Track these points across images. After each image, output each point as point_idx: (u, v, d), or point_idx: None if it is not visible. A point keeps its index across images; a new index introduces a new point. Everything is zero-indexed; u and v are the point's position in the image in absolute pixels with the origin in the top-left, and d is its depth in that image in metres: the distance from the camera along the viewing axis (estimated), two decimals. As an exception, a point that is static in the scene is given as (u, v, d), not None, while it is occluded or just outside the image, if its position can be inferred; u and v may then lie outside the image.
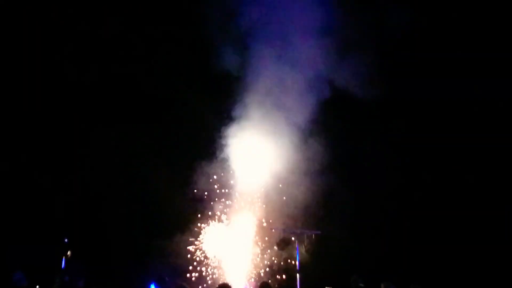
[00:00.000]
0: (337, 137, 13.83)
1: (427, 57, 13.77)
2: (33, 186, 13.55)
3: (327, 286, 10.69)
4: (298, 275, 10.58)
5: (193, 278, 13.34)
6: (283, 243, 12.03)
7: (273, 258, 13.57)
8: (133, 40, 14.38)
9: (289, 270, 13.05)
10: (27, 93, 13.77)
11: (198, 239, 13.64)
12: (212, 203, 13.88)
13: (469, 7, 13.28)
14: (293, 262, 12.58)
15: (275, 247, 12.77)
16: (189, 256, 13.52)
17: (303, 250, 10.99)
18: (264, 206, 13.82)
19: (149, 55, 14.46)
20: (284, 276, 13.42)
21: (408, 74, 13.71)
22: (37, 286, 9.73)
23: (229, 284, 7.74)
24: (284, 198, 13.59)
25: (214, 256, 13.56)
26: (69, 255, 10.23)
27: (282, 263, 13.40)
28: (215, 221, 13.84)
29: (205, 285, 13.40)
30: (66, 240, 10.54)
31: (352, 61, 13.36)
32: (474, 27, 13.36)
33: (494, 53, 13.35)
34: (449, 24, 13.55)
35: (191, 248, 13.54)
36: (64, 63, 14.13)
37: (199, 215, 13.79)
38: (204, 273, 13.47)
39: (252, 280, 13.50)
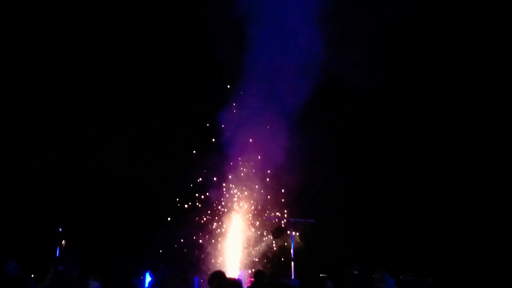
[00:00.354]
0: (332, 125, 13.80)
1: (423, 47, 13.71)
2: (30, 182, 13.55)
3: (321, 274, 10.74)
4: (292, 263, 10.62)
5: (188, 267, 13.39)
6: (278, 231, 12.04)
7: (268, 246, 13.62)
8: (128, 34, 14.29)
9: (283, 258, 13.10)
10: (26, 92, 13.74)
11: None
12: (207, 192, 13.88)
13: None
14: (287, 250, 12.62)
15: (270, 235, 12.80)
16: (184, 244, 13.56)
17: (297, 238, 11.02)
18: (258, 194, 13.82)
19: (143, 46, 14.37)
20: (278, 264, 13.47)
21: (404, 65, 13.67)
22: (32, 275, 9.72)
23: (223, 272, 7.71)
24: (279, 186, 13.59)
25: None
26: (64, 244, 10.19)
27: (276, 250, 13.46)
28: (210, 209, 13.86)
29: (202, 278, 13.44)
30: (60, 229, 10.50)
31: (349, 49, 13.27)
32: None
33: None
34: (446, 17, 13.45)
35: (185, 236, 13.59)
36: (62, 63, 14.08)
37: (194, 204, 13.80)
38: (198, 262, 13.52)
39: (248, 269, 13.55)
